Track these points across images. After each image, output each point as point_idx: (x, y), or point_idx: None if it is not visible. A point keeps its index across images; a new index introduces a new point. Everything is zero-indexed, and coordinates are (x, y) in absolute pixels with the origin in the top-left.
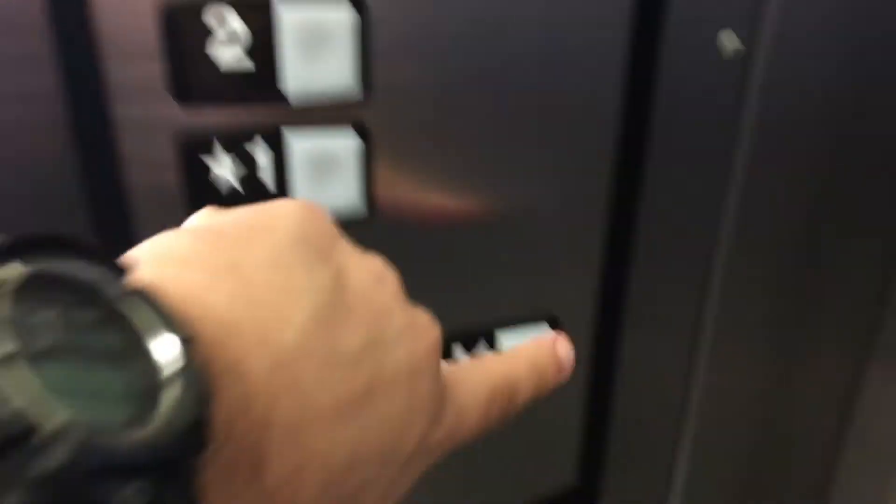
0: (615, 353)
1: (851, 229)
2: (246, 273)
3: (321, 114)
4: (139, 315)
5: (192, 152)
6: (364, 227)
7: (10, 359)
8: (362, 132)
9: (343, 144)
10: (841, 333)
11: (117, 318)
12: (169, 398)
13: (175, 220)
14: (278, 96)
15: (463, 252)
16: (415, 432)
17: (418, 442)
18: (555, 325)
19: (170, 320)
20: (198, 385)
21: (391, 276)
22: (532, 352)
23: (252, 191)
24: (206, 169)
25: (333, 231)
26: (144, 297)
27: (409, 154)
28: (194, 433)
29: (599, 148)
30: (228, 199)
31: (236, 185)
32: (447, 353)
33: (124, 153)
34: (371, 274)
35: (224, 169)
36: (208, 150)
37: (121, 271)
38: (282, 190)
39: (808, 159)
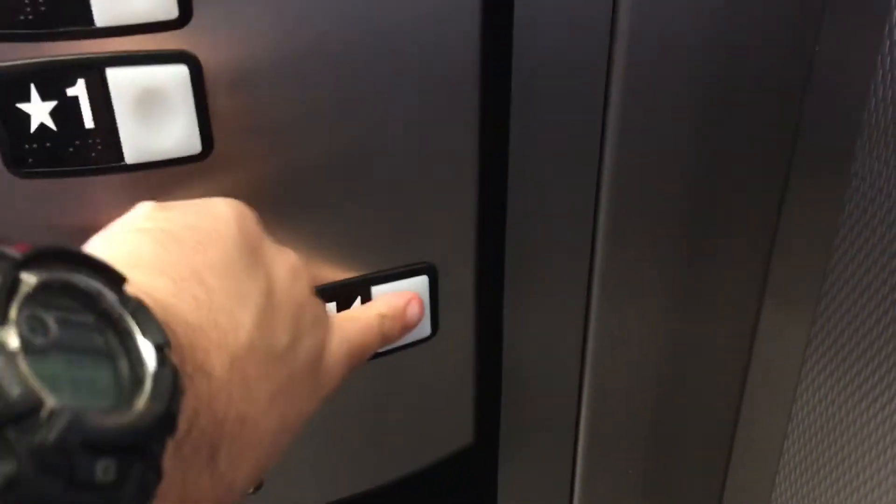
0: (500, 305)
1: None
2: (205, 280)
3: (142, 44)
4: (129, 321)
5: (2, 93)
6: (200, 165)
7: (15, 354)
8: (188, 60)
9: (166, 75)
10: (735, 278)
11: (111, 322)
12: (147, 391)
13: None
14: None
15: (322, 199)
16: (307, 404)
17: (307, 411)
18: (433, 277)
19: (153, 327)
20: (171, 381)
21: (303, 269)
22: (383, 311)
23: (70, 132)
24: (19, 111)
25: (259, 229)
26: (135, 305)
27: (246, 82)
28: (163, 422)
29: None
30: (44, 141)
31: (51, 125)
32: None
33: None
34: (290, 270)
35: (37, 108)
36: (20, 90)
37: (118, 281)
38: (106, 130)
39: (690, 96)
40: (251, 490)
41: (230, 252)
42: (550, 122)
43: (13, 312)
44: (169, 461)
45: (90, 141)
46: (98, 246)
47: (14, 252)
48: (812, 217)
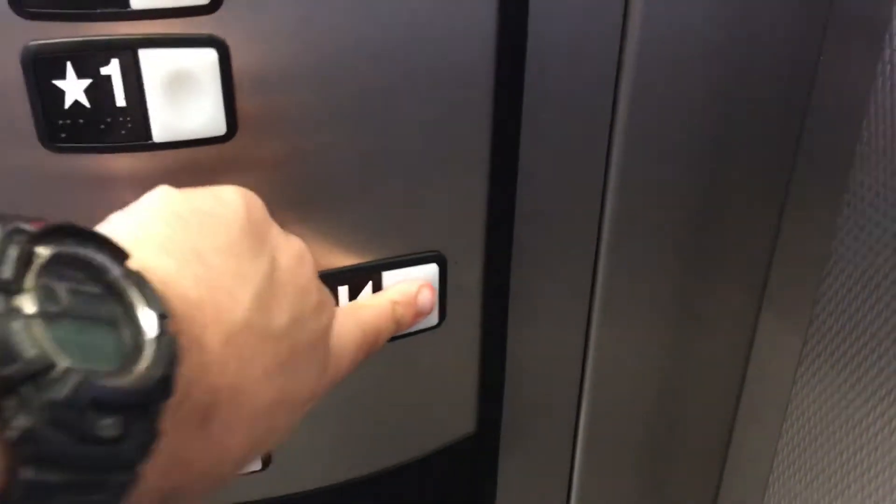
0: (506, 295)
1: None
2: (207, 259)
3: (173, 28)
4: (132, 293)
5: (40, 70)
6: (224, 147)
7: (32, 318)
8: (217, 45)
9: (196, 58)
10: (735, 287)
11: (116, 294)
12: (147, 357)
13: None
14: (127, 13)
15: (339, 186)
16: (312, 384)
17: (313, 390)
18: (443, 265)
19: (154, 299)
20: (169, 350)
21: (308, 256)
22: (396, 298)
23: (102, 109)
24: (55, 88)
25: (267, 217)
26: (137, 279)
27: (270, 68)
28: (162, 385)
29: (477, 89)
30: (77, 117)
31: (85, 102)
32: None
33: None
34: (295, 256)
35: (72, 86)
36: (57, 67)
37: (122, 256)
38: (136, 109)
39: (694, 108)
40: (260, 467)
41: (235, 235)
42: (560, 120)
43: (30, 282)
44: (166, 426)
45: (121, 119)
46: (115, 221)
47: (30, 227)
48: (811, 220)
